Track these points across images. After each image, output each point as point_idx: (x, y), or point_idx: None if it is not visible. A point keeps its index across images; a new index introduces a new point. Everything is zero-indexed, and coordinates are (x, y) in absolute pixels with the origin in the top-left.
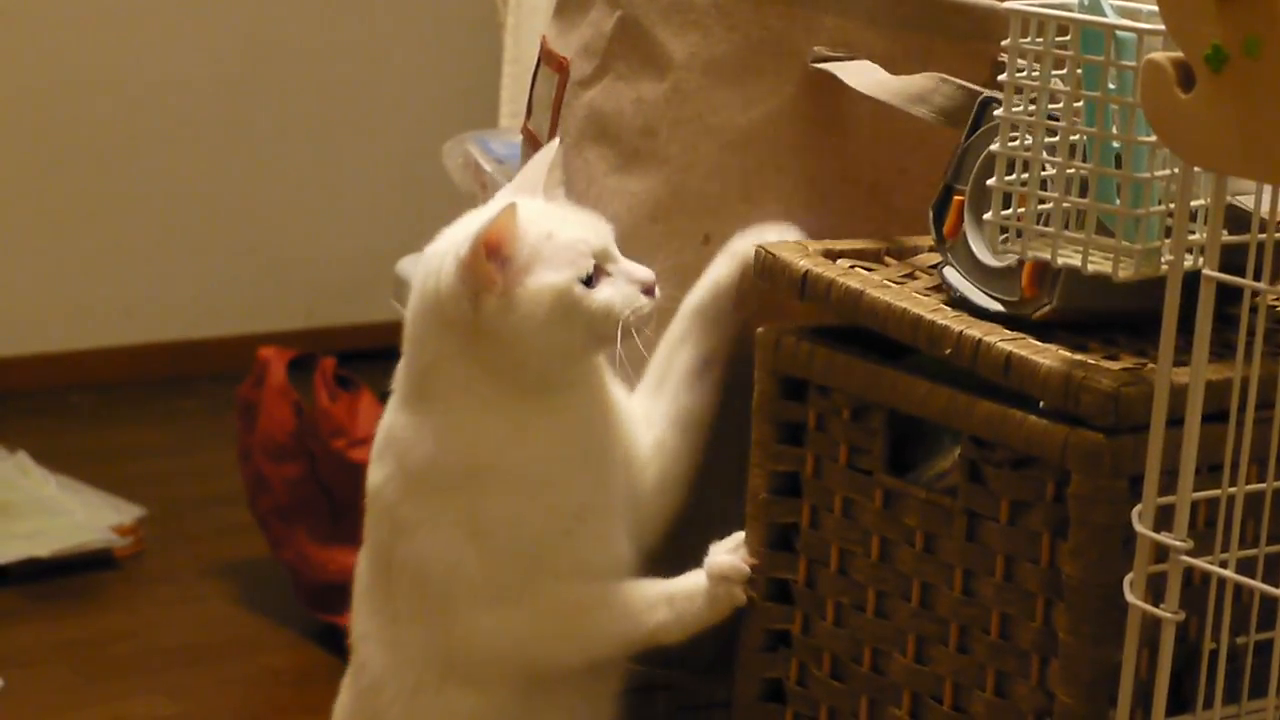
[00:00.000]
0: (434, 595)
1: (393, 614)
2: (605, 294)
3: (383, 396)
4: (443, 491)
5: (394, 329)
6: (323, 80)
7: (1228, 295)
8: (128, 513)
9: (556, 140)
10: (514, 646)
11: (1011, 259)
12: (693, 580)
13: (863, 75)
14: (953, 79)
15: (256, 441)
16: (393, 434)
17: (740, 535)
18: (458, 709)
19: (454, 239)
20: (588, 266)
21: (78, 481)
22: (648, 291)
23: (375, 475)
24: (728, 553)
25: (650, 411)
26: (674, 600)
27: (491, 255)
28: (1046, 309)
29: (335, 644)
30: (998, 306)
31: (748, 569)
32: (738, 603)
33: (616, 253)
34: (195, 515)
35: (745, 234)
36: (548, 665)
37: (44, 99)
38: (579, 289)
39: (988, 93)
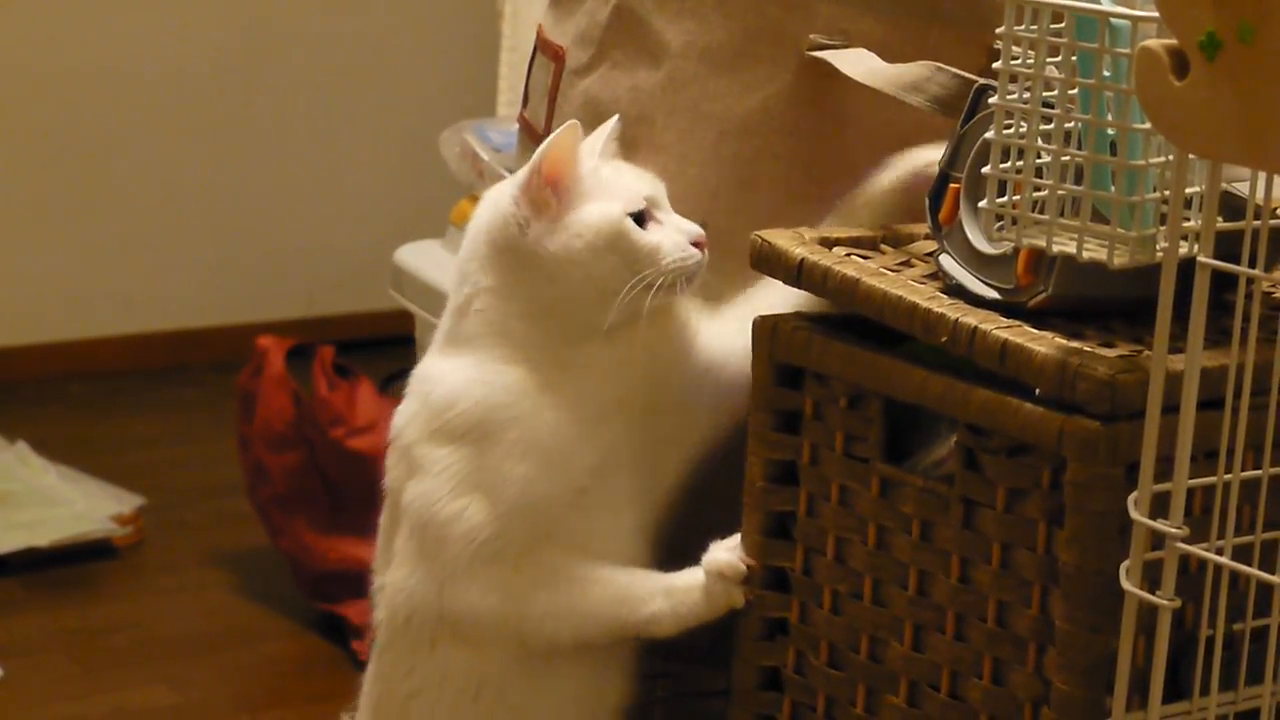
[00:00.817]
0: (431, 540)
1: (400, 556)
2: (655, 235)
3: (382, 385)
4: (458, 437)
5: (393, 318)
6: (322, 69)
7: (1222, 283)
8: (127, 502)
9: (617, 117)
10: (502, 609)
11: (1007, 246)
12: (691, 576)
13: (858, 63)
14: (948, 67)
15: (255, 431)
16: (423, 373)
17: (739, 536)
18: (453, 667)
19: (512, 179)
20: (639, 204)
21: (77, 471)
22: (697, 245)
23: (401, 414)
24: (726, 550)
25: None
26: (671, 593)
27: (548, 180)
28: (1042, 296)
29: (335, 633)
30: (993, 294)
31: (744, 567)
32: (734, 603)
33: (668, 205)
34: (195, 505)
35: (920, 150)
36: (534, 636)
37: (43, 89)
38: (628, 222)
39: (983, 81)
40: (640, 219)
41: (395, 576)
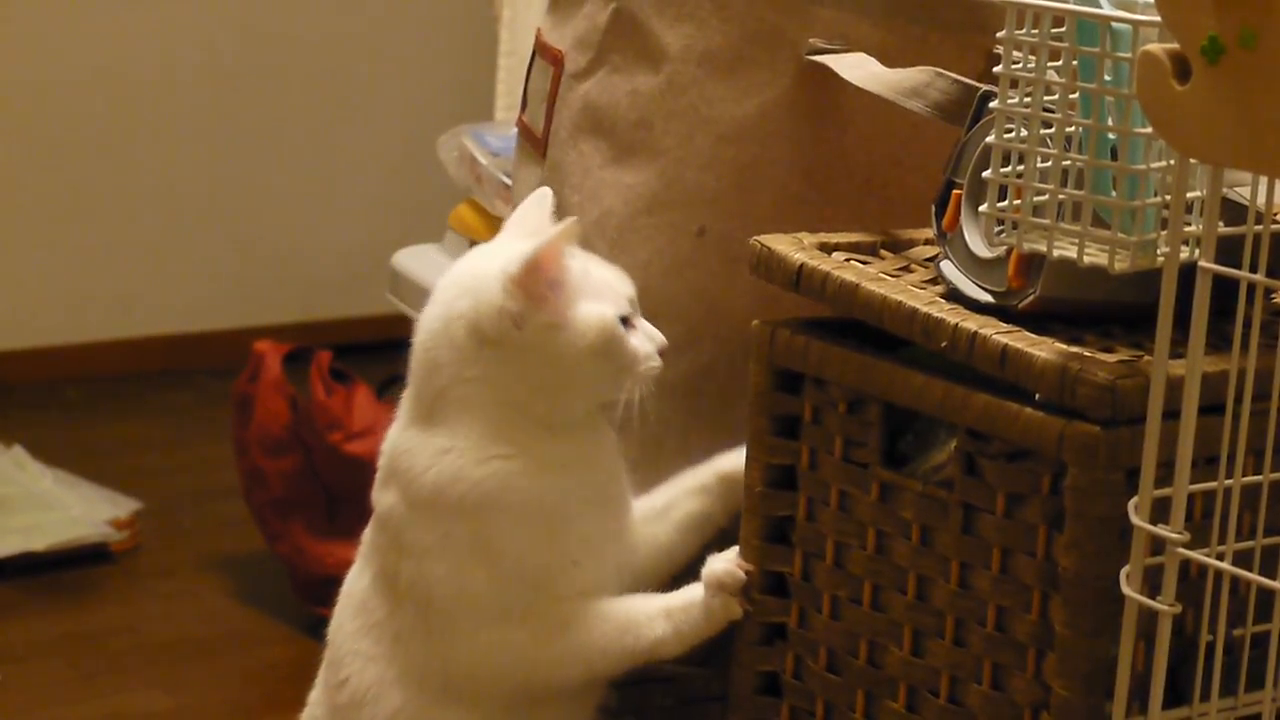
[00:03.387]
0: (439, 614)
1: (394, 633)
2: (636, 340)
3: (379, 389)
4: (451, 517)
5: (389, 322)
6: (319, 73)
7: (1221, 289)
8: (124, 506)
9: (549, 190)
10: (515, 663)
11: (1002, 250)
12: (690, 593)
13: (858, 68)
14: (948, 73)
15: (252, 435)
16: (400, 457)
17: (736, 548)
18: None
19: (483, 261)
20: (625, 308)
21: (74, 475)
22: (660, 353)
23: (382, 500)
24: (724, 561)
25: (647, 510)
26: (671, 614)
27: (544, 275)
28: (1031, 298)
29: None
30: (987, 297)
31: (744, 576)
32: (733, 616)
33: (638, 308)
34: (191, 509)
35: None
36: (548, 681)
37: (40, 93)
38: (621, 328)
39: (985, 87)
40: (623, 322)
41: (405, 653)
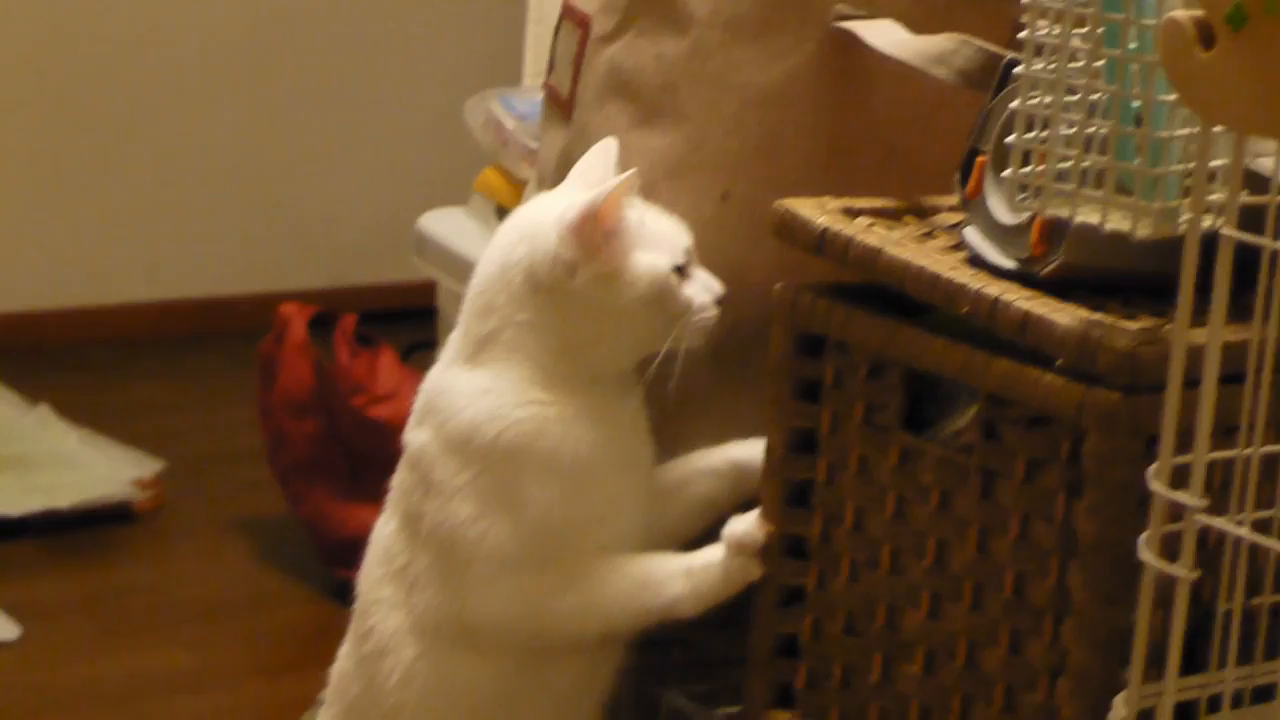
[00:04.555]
0: (457, 559)
1: (412, 578)
2: (690, 290)
3: (404, 354)
4: (483, 458)
5: (415, 289)
6: (346, 38)
7: (1242, 258)
8: (148, 467)
9: (614, 140)
10: (531, 613)
11: (1025, 217)
12: (710, 554)
13: (884, 34)
14: (974, 40)
15: (276, 398)
16: (439, 395)
17: (757, 510)
18: (457, 676)
19: (543, 210)
20: (681, 258)
21: (99, 435)
22: (718, 303)
23: (415, 439)
24: (744, 523)
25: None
26: (691, 573)
27: (600, 225)
28: (1054, 265)
29: (352, 599)
30: (1010, 264)
31: (763, 537)
32: (752, 578)
33: (695, 258)
34: (215, 470)
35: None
36: (564, 633)
37: (69, 58)
38: (674, 277)
39: (1012, 55)
40: (678, 272)
41: (422, 599)
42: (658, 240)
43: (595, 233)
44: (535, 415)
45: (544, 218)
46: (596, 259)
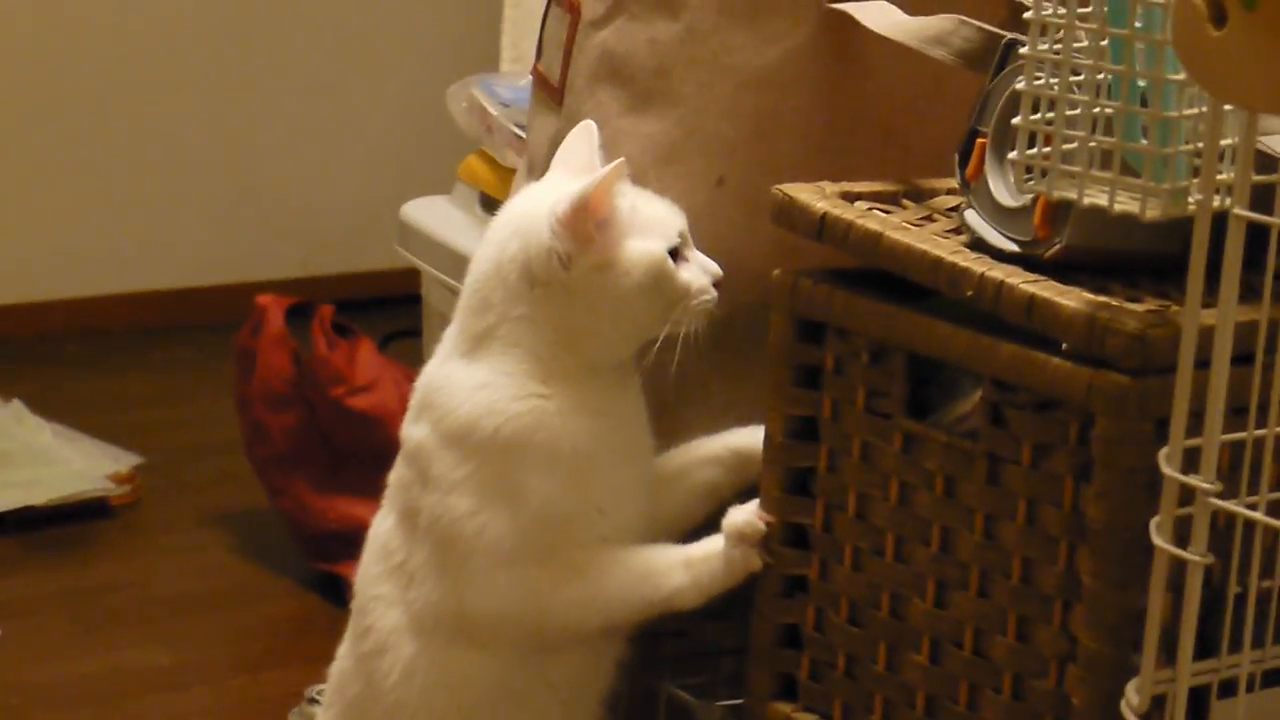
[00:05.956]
0: (457, 552)
1: (410, 574)
2: (687, 273)
3: (382, 343)
4: (481, 452)
5: (394, 277)
6: (321, 24)
7: (1248, 241)
8: (124, 461)
9: (592, 124)
10: (531, 606)
11: (1027, 199)
12: (710, 544)
13: (880, 16)
14: (972, 21)
15: (254, 390)
16: (437, 390)
17: (757, 499)
18: (457, 671)
19: (534, 203)
20: (675, 241)
21: (74, 430)
22: (715, 285)
23: (412, 434)
24: (744, 512)
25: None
26: (691, 564)
27: (591, 216)
28: (1058, 247)
29: (334, 593)
30: (1013, 247)
31: (764, 527)
32: (753, 568)
33: (690, 240)
34: (192, 464)
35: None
36: (564, 626)
37: (38, 44)
38: (670, 262)
39: (1012, 35)
40: (673, 255)
41: (420, 594)
42: (651, 225)
43: (587, 223)
44: (534, 408)
45: (535, 211)
46: (590, 249)
